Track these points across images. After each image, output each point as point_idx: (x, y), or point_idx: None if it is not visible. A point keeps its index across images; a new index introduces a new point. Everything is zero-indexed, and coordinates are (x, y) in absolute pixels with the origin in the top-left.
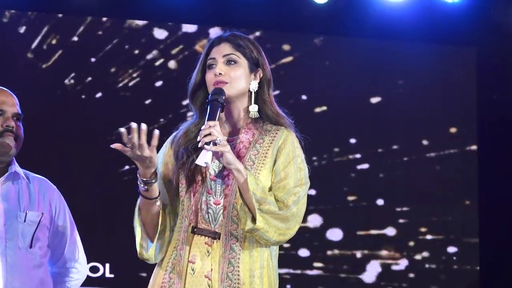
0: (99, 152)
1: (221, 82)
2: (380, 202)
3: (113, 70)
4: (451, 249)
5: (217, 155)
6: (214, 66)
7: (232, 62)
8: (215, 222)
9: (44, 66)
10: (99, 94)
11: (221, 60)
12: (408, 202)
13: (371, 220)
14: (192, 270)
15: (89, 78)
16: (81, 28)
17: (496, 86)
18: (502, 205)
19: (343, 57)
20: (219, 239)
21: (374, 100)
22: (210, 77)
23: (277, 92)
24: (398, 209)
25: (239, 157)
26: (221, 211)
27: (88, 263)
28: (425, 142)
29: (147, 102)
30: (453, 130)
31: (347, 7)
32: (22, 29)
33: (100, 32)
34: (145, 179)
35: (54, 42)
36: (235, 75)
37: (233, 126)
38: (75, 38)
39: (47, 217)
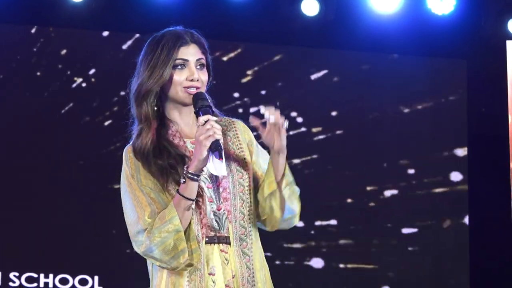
0: (90, 165)
1: (195, 87)
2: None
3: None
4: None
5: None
6: (184, 67)
7: (202, 66)
8: (223, 228)
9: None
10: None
11: (195, 64)
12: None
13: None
14: (213, 282)
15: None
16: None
17: (486, 99)
18: (492, 217)
19: (333, 69)
20: (231, 245)
21: (364, 112)
22: (179, 79)
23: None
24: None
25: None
26: (226, 216)
27: (77, 275)
28: (413, 161)
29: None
30: (443, 143)
31: (337, 20)
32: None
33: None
34: (195, 173)
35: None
36: (205, 79)
37: (193, 128)
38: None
39: None
